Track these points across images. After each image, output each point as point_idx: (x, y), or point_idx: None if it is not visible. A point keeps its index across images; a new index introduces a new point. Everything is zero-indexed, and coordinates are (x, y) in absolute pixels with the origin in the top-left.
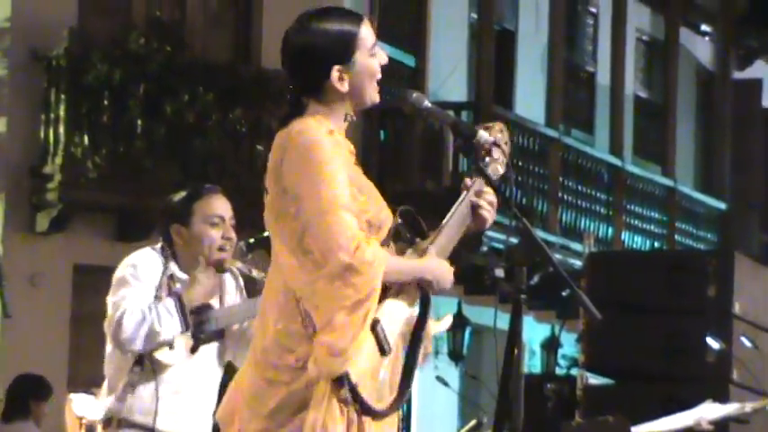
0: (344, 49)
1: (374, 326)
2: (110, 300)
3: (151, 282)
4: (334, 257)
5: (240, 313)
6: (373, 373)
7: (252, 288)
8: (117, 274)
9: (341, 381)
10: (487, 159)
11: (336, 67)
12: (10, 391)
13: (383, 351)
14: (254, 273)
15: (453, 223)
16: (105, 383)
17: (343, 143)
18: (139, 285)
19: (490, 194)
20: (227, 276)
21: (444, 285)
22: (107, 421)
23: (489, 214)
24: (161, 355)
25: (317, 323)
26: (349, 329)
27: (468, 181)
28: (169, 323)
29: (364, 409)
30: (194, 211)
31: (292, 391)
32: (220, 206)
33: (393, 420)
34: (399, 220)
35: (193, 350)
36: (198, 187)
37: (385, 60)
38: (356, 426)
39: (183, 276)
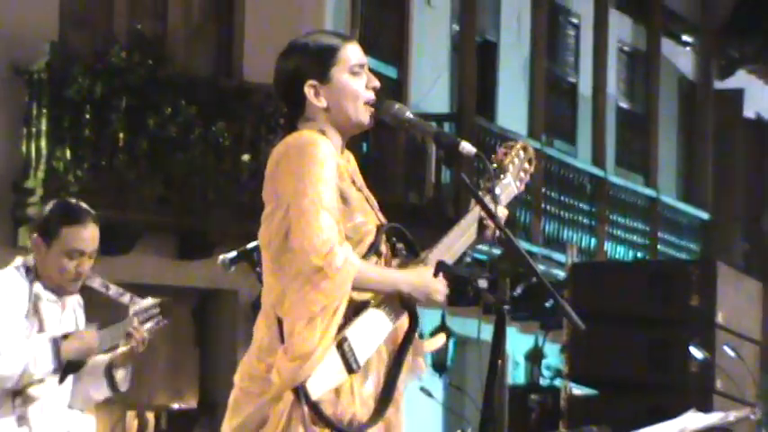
0: (320, 64)
1: (341, 344)
2: None
3: (21, 307)
4: (306, 259)
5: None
6: (341, 391)
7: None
8: None
9: (299, 397)
10: (502, 181)
11: (309, 82)
12: None
13: (350, 369)
14: (112, 290)
15: (454, 234)
16: None
17: (335, 153)
18: (9, 314)
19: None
20: (77, 307)
21: (429, 296)
22: None
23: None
24: (35, 390)
25: (285, 331)
26: (313, 335)
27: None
28: (43, 366)
29: (332, 428)
30: (60, 234)
31: (259, 404)
32: (86, 238)
33: None
34: (382, 235)
35: (61, 381)
36: (73, 209)
37: (376, 84)
38: None
39: (50, 296)
